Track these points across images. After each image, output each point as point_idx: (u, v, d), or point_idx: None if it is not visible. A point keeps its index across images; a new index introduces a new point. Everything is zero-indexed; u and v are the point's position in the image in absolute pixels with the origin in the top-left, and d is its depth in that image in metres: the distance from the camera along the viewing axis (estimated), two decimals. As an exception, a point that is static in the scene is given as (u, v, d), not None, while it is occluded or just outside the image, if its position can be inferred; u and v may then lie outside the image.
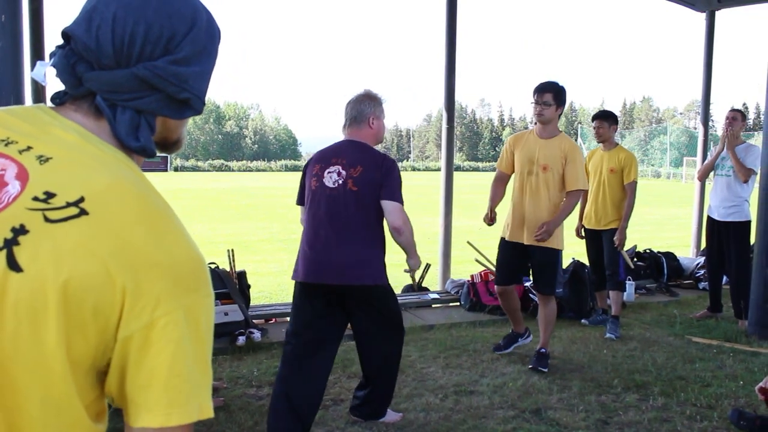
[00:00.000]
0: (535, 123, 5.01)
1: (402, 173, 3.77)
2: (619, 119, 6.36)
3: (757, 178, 6.19)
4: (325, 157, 3.65)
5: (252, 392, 4.45)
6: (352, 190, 3.51)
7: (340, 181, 3.53)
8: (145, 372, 0.89)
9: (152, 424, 0.90)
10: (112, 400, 0.95)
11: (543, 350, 5.01)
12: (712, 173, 6.60)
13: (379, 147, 3.90)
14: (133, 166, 0.99)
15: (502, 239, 5.10)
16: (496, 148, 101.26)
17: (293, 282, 3.79)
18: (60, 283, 0.84)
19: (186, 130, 1.15)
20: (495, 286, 5.28)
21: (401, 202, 3.60)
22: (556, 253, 4.93)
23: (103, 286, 0.86)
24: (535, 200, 4.87)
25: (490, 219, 5.08)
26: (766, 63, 5.85)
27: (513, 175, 5.11)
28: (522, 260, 5.05)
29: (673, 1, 9.44)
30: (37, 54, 5.49)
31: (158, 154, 1.10)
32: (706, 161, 6.83)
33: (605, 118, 6.13)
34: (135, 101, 0.99)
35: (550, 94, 4.82)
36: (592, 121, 6.28)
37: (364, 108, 3.70)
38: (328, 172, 3.57)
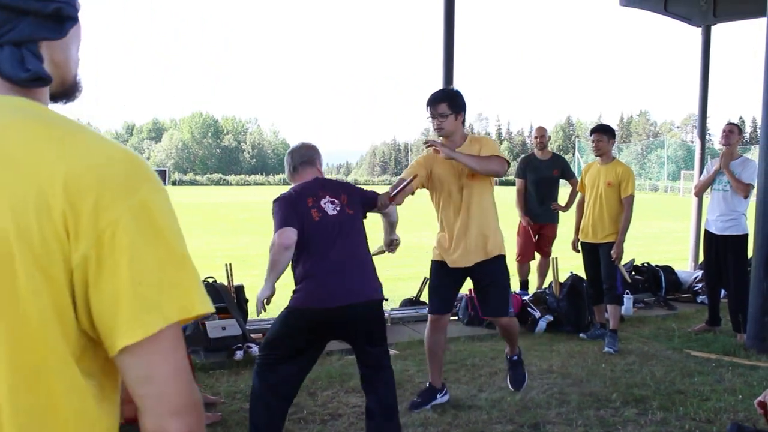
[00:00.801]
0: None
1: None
2: (616, 133, 6.38)
3: (754, 191, 6.20)
4: (312, 191, 3.68)
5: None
6: (350, 214, 3.65)
7: (338, 208, 3.63)
8: (107, 293, 0.86)
9: (132, 340, 0.86)
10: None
11: (515, 357, 4.78)
12: (709, 188, 6.62)
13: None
14: (35, 105, 0.94)
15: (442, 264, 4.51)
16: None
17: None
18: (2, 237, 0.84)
19: (78, 66, 1.06)
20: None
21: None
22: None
23: (37, 224, 0.84)
24: (467, 218, 4.38)
25: None
26: (761, 77, 5.87)
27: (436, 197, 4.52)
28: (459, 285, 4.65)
29: (669, 16, 9.52)
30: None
31: (65, 103, 1.06)
32: (703, 177, 6.84)
33: (604, 132, 6.14)
34: (8, 35, 0.93)
35: (445, 104, 4.31)
36: (590, 135, 6.29)
37: (311, 153, 3.89)
38: (324, 203, 3.64)
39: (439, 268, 4.52)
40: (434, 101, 4.34)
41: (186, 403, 0.92)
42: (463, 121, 4.45)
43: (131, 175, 0.89)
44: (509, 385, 4.75)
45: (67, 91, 1.06)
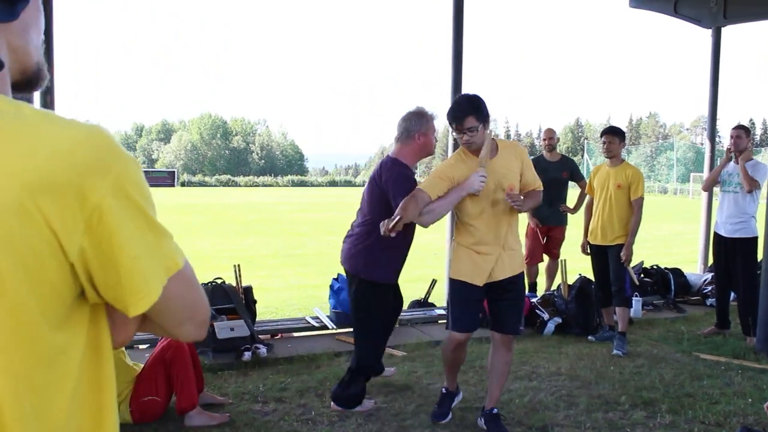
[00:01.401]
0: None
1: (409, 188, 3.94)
2: (626, 135, 6.36)
3: (763, 193, 6.18)
4: None
5: (257, 408, 4.44)
6: None
7: None
8: (109, 274, 0.89)
9: (144, 308, 0.92)
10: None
11: (495, 410, 4.22)
12: (718, 189, 6.59)
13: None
14: None
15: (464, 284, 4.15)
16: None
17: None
18: None
19: (40, 53, 1.03)
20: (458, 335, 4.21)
21: None
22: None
23: (20, 234, 0.83)
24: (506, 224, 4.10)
25: None
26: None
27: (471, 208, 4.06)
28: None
29: (679, 17, 9.48)
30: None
31: (29, 93, 1.03)
32: (711, 172, 6.83)
33: (616, 134, 6.13)
34: None
35: (472, 117, 3.90)
36: (601, 137, 6.28)
37: (410, 125, 4.24)
38: None
39: (462, 286, 4.13)
40: (461, 117, 3.92)
41: (204, 318, 1.04)
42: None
43: (102, 154, 0.88)
44: None
45: (30, 80, 1.02)
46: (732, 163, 6.41)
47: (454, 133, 4.07)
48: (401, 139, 4.33)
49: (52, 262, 0.86)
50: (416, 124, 4.28)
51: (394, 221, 3.76)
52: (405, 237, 4.23)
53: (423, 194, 3.92)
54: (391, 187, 4.17)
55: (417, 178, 4.49)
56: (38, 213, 0.83)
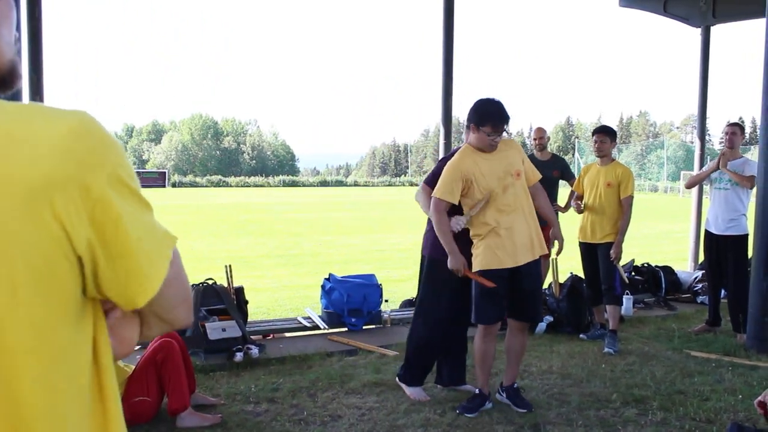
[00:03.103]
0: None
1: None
2: (616, 133, 6.39)
3: (753, 191, 6.21)
4: None
5: (249, 409, 4.43)
6: None
7: None
8: (117, 262, 0.89)
9: (153, 292, 0.92)
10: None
11: (516, 385, 4.57)
12: (708, 187, 6.62)
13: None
14: None
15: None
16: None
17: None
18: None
19: (13, 50, 1.00)
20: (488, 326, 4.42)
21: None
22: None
23: (28, 233, 0.83)
24: (520, 212, 4.35)
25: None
26: (761, 77, 5.88)
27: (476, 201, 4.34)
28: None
29: (668, 16, 9.53)
30: (36, 72, 5.51)
31: (2, 93, 0.99)
32: (699, 173, 6.85)
33: (607, 133, 6.15)
34: None
35: (508, 124, 4.37)
36: (593, 135, 6.29)
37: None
38: None
39: (488, 276, 4.27)
40: (504, 121, 4.29)
41: (191, 301, 1.05)
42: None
43: (97, 145, 0.88)
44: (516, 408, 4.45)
45: (4, 79, 0.99)
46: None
47: (484, 130, 4.26)
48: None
49: (62, 259, 0.86)
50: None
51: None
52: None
53: (443, 204, 4.33)
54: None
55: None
56: (46, 211, 0.83)
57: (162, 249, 0.93)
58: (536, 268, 4.41)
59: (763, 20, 5.88)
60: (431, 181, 4.53)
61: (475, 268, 4.32)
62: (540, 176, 4.54)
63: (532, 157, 7.72)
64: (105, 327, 0.98)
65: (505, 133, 4.31)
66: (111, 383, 0.98)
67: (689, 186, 7.03)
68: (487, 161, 4.32)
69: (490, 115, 4.26)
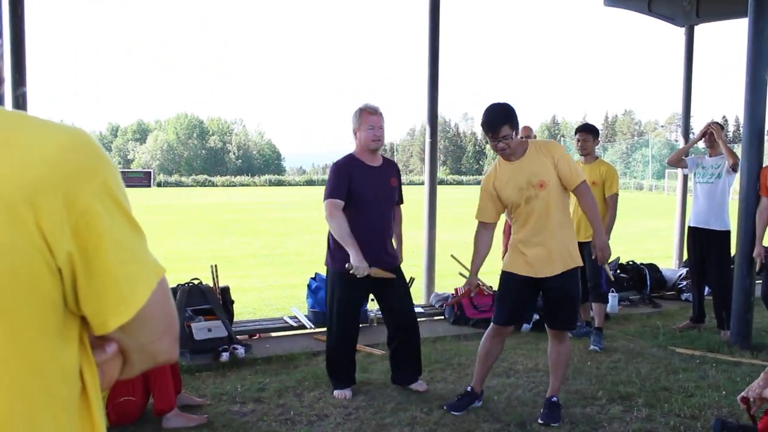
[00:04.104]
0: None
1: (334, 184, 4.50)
2: (601, 132, 6.42)
3: (735, 188, 6.27)
4: None
5: (236, 409, 4.41)
6: None
7: None
8: (97, 280, 0.88)
9: (128, 316, 0.90)
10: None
11: (555, 398, 4.35)
12: (691, 182, 6.68)
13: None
14: None
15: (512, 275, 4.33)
16: (480, 162, 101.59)
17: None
18: None
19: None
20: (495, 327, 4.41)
21: (326, 197, 4.49)
22: (577, 276, 4.34)
23: (11, 242, 0.83)
24: (544, 223, 4.18)
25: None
26: (744, 76, 5.93)
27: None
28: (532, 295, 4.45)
29: (653, 16, 9.58)
30: (19, 76, 5.47)
31: None
32: (680, 148, 6.88)
33: (590, 132, 6.18)
34: None
35: (507, 126, 4.06)
36: (575, 134, 6.32)
37: (352, 124, 4.66)
38: None
39: (508, 278, 4.32)
40: (495, 126, 4.06)
41: (177, 333, 1.02)
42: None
43: (87, 159, 0.88)
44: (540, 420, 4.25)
45: None
46: (707, 156, 6.53)
47: (488, 142, 4.20)
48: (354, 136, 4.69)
49: (44, 269, 0.85)
50: (353, 122, 4.67)
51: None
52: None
53: (485, 225, 4.38)
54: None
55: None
56: (29, 218, 0.82)
57: (145, 275, 0.92)
58: (565, 279, 4.20)
59: (745, 20, 5.92)
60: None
61: (503, 267, 4.39)
62: (583, 178, 4.24)
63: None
64: (87, 341, 0.97)
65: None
66: (96, 400, 0.97)
67: (671, 162, 6.97)
68: (509, 171, 4.19)
69: (482, 124, 4.17)
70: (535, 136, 8.00)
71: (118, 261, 0.88)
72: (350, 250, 4.34)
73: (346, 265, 4.38)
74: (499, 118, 4.06)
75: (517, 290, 4.29)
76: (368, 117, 4.57)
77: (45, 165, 0.84)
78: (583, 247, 6.08)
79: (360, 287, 4.57)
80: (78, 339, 0.93)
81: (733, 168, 6.23)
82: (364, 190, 4.51)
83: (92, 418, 0.96)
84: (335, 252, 4.55)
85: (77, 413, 0.94)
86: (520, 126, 4.33)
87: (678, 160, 6.75)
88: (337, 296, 4.61)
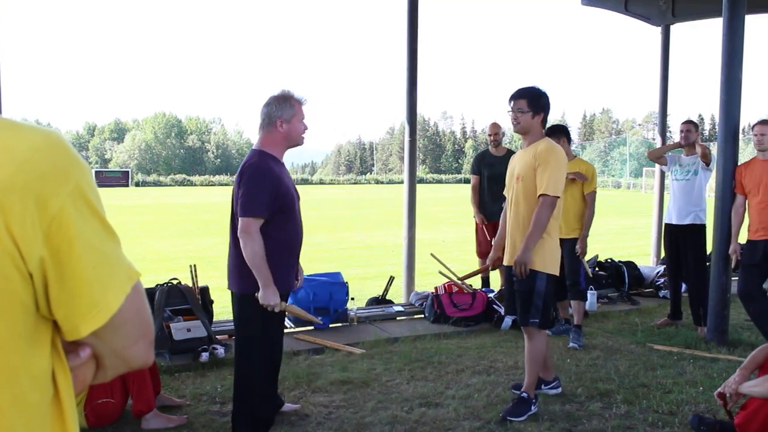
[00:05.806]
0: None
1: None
2: (579, 131, 6.48)
3: (711, 185, 6.35)
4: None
5: (216, 409, 4.39)
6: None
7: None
8: (68, 284, 0.86)
9: (100, 322, 0.88)
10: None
11: (525, 394, 4.36)
12: (669, 180, 6.76)
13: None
14: None
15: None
16: (459, 161, 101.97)
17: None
18: None
19: None
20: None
21: (249, 214, 3.65)
22: (534, 276, 4.30)
23: None
24: (514, 216, 4.44)
25: None
26: (719, 75, 5.99)
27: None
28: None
29: (629, 15, 9.66)
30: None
31: None
32: (661, 146, 6.97)
33: (562, 133, 6.21)
34: None
35: (525, 101, 4.33)
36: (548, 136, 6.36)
37: (271, 110, 3.75)
38: None
39: (508, 269, 4.55)
40: (515, 96, 4.40)
41: (153, 338, 1.01)
42: (544, 123, 4.47)
43: (60, 161, 0.86)
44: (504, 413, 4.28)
45: None
46: (683, 155, 6.60)
47: (509, 111, 4.44)
48: (263, 126, 3.79)
49: (15, 273, 0.84)
50: (278, 109, 3.73)
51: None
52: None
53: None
54: (244, 181, 3.70)
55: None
56: (1, 224, 0.81)
57: (119, 280, 0.90)
58: (512, 272, 4.36)
59: (720, 19, 5.99)
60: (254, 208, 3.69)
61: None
62: (549, 193, 4.26)
63: (486, 153, 7.74)
64: (61, 345, 0.95)
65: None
66: (70, 405, 0.95)
67: (651, 156, 7.03)
68: (516, 157, 4.60)
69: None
70: (504, 134, 8.02)
71: (90, 265, 0.86)
72: (262, 281, 3.63)
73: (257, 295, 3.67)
74: (523, 92, 4.39)
75: (508, 279, 4.58)
76: (300, 108, 3.81)
77: (15, 166, 0.82)
78: (562, 244, 6.13)
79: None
80: (50, 343, 0.92)
81: (707, 164, 6.33)
82: (290, 196, 3.79)
83: (64, 425, 0.94)
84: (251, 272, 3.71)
85: (49, 419, 0.92)
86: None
87: (659, 156, 6.83)
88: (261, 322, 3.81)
